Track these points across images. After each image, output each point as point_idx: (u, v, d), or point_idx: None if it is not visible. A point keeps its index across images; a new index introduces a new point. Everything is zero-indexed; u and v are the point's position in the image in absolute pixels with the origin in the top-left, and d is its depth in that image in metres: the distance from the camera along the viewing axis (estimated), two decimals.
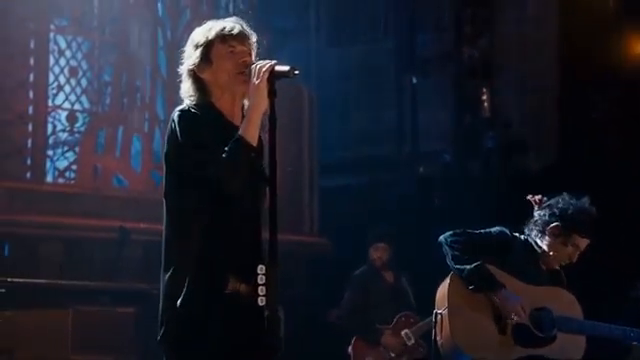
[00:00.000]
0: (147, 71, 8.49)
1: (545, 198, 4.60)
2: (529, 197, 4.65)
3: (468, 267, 4.35)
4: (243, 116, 3.06)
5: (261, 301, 2.80)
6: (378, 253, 7.21)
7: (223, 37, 3.09)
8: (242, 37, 3.11)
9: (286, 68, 2.95)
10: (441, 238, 4.48)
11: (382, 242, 7.24)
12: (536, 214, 4.57)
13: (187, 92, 3.14)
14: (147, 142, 8.35)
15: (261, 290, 2.81)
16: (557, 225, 4.46)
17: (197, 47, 3.15)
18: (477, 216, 7.14)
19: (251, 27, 3.17)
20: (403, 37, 9.22)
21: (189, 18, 8.71)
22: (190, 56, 3.16)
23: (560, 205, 4.50)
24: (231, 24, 3.12)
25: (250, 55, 3.10)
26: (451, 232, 4.48)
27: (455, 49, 9.09)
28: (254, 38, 3.15)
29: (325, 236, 8.59)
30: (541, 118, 8.69)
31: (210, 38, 3.11)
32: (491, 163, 8.65)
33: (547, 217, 4.48)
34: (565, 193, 4.54)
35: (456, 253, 4.38)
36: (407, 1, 9.19)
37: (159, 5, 8.64)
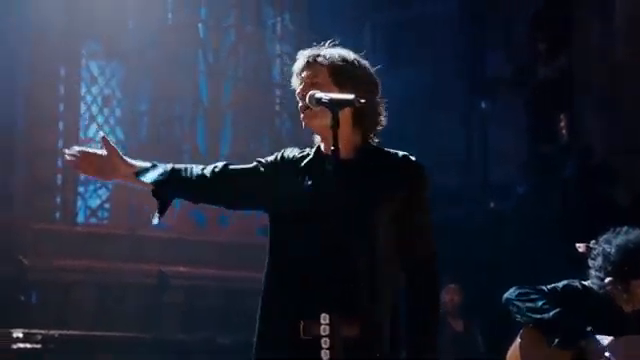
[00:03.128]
0: (187, 99, 8.66)
1: (593, 242, 4.61)
2: (577, 245, 4.68)
3: (548, 315, 4.37)
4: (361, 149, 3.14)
5: (325, 355, 2.84)
6: (449, 295, 7.29)
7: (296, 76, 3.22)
8: (299, 70, 3.20)
9: (350, 96, 2.99)
10: (506, 295, 4.46)
11: (453, 284, 7.33)
12: (590, 263, 4.59)
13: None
14: None
15: (324, 342, 2.84)
16: (610, 280, 4.49)
17: None
18: (555, 256, 7.09)
19: (301, 48, 3.23)
20: (470, 56, 9.20)
21: (233, 40, 8.88)
22: None
23: (607, 253, 4.51)
24: (305, 53, 3.20)
25: (309, 85, 3.14)
26: (515, 288, 4.46)
27: (529, 68, 9.05)
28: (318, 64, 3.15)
29: None
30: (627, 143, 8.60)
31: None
32: (571, 196, 8.59)
33: (599, 271, 4.52)
34: (610, 231, 4.55)
35: (529, 304, 4.38)
36: (474, 16, 9.20)
37: (200, 26, 8.80)
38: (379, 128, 3.16)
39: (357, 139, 3.12)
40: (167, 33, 8.54)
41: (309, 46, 3.20)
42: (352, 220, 2.94)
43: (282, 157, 3.23)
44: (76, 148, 3.21)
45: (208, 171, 3.20)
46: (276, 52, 8.88)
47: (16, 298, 7.59)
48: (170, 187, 3.22)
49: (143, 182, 3.26)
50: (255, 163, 3.22)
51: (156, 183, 3.22)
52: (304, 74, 3.15)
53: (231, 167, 3.21)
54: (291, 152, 3.24)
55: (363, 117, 3.10)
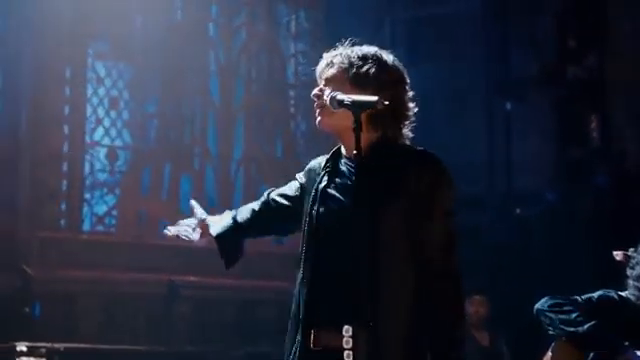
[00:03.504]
0: (197, 100, 8.57)
1: (632, 250, 4.56)
2: (614, 254, 4.62)
3: (582, 328, 4.32)
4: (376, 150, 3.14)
5: None
6: (474, 307, 7.21)
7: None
8: (319, 71, 3.23)
9: (372, 98, 2.97)
10: (538, 306, 4.47)
11: (478, 295, 7.25)
12: (628, 273, 4.53)
13: None
14: (198, 182, 8.38)
15: (347, 356, 2.87)
16: None
17: None
18: (587, 267, 7.08)
19: (317, 47, 3.25)
20: (494, 54, 9.03)
21: (245, 39, 8.77)
22: None
23: None
24: (326, 55, 3.25)
25: (328, 84, 3.16)
26: (548, 298, 4.47)
27: (557, 68, 8.89)
28: (333, 62, 3.19)
29: None
30: None
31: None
32: (603, 203, 8.40)
33: (638, 281, 4.46)
34: None
35: (562, 316, 4.36)
36: (498, 12, 9.07)
37: (210, 25, 8.70)
38: (406, 123, 3.15)
39: (372, 137, 3.11)
40: (176, 32, 8.43)
41: (325, 45, 3.24)
42: (361, 223, 2.92)
43: (308, 170, 3.31)
44: (171, 228, 3.51)
45: (257, 205, 3.40)
46: (290, 51, 8.76)
47: (20, 310, 7.51)
48: (229, 238, 3.42)
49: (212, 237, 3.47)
50: (295, 183, 3.35)
51: (217, 237, 3.43)
52: (323, 75, 3.18)
53: (274, 195, 3.38)
54: (315, 162, 3.30)
55: (381, 117, 3.08)
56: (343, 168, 3.13)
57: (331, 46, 3.21)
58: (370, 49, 3.18)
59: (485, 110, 8.99)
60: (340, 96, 3.00)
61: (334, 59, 3.16)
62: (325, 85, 3.15)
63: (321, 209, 3.11)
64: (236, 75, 8.73)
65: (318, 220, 3.09)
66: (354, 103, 2.96)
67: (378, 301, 2.84)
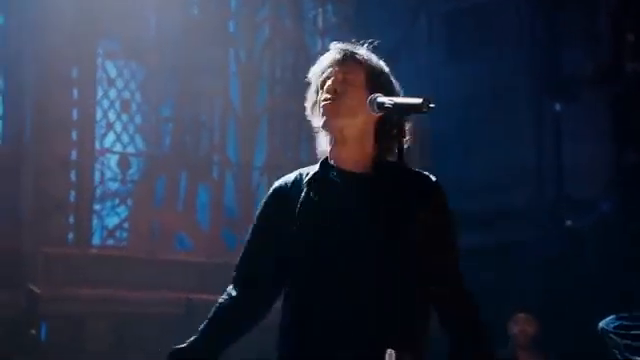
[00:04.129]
0: (216, 103, 8.42)
1: None
2: None
3: None
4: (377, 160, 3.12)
5: None
6: (519, 326, 7.18)
7: (319, 74, 3.16)
8: (332, 62, 3.15)
9: (417, 101, 2.87)
10: (602, 324, 4.51)
11: (522, 312, 7.22)
12: None
13: (320, 150, 3.26)
14: (217, 192, 8.32)
15: None
16: None
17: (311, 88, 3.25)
18: None
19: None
20: (543, 50, 8.86)
21: (268, 35, 8.74)
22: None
23: None
24: (331, 53, 3.18)
25: (338, 80, 3.10)
26: (614, 317, 4.47)
27: (613, 64, 8.70)
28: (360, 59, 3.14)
29: None
30: None
31: (312, 75, 3.21)
32: None
33: None
34: None
35: (627, 341, 4.35)
36: (548, 3, 8.96)
37: (230, 21, 8.66)
38: (400, 146, 3.01)
39: (372, 150, 3.10)
40: (193, 29, 8.33)
41: (355, 42, 3.21)
42: (370, 250, 2.93)
43: (277, 195, 3.19)
44: None
45: (233, 294, 3.24)
46: (317, 49, 8.69)
47: (25, 331, 7.39)
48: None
49: None
50: (253, 235, 3.21)
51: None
52: (337, 68, 3.11)
53: (242, 272, 3.21)
54: (283, 181, 3.20)
55: (388, 130, 3.10)
56: (339, 183, 3.07)
57: (362, 43, 3.18)
58: (376, 57, 3.20)
59: (532, 111, 8.84)
60: (381, 98, 2.95)
61: (357, 56, 3.13)
62: (339, 79, 3.08)
63: (318, 232, 3.04)
64: (258, 75, 8.69)
65: (315, 245, 3.03)
66: (396, 106, 2.90)
67: (402, 338, 2.80)
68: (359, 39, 3.18)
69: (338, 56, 3.11)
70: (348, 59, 3.10)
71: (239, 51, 8.58)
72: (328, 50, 3.19)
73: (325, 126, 3.09)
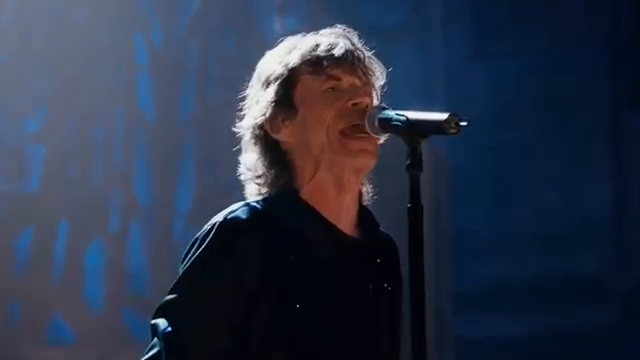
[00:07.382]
0: (117, 112, 7.33)
1: None
2: None
3: None
4: (361, 215, 2.87)
5: None
6: None
7: (316, 62, 2.78)
8: (352, 61, 2.80)
9: (442, 116, 2.49)
10: None
11: None
12: None
13: (252, 173, 2.84)
14: (116, 252, 7.37)
15: None
16: None
17: (267, 84, 2.81)
18: None
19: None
20: (617, 44, 7.73)
21: (197, 10, 7.50)
22: (256, 102, 2.83)
23: None
24: (331, 38, 2.83)
25: (370, 95, 2.78)
26: None
27: None
28: (378, 65, 2.84)
29: None
30: None
31: (292, 66, 2.81)
32: None
33: None
34: None
35: None
36: None
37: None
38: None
39: (357, 194, 2.87)
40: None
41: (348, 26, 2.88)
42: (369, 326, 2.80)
43: (240, 244, 2.77)
44: None
45: None
46: (274, 31, 7.43)
47: None
48: None
49: None
50: (208, 306, 2.80)
51: None
52: (359, 83, 2.76)
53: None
54: (244, 223, 2.73)
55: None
56: (333, 252, 2.72)
57: (357, 28, 2.81)
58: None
59: (607, 131, 7.54)
60: (387, 112, 2.61)
61: (373, 64, 2.84)
62: (363, 87, 2.79)
63: (327, 318, 2.74)
64: (183, 70, 7.53)
65: (327, 330, 2.74)
66: (410, 125, 2.54)
67: None
68: (337, 20, 2.82)
69: (361, 55, 2.77)
70: (368, 65, 2.80)
71: (152, 34, 7.31)
72: (289, 34, 2.82)
73: (357, 167, 2.74)
